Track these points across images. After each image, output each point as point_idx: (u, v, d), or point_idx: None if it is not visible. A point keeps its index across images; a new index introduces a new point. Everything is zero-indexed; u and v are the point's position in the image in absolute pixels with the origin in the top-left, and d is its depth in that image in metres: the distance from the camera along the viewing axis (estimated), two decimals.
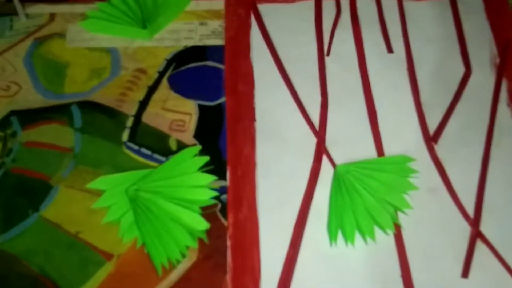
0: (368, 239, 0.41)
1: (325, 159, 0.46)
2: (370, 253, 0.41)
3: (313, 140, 0.47)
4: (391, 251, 0.41)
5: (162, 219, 0.42)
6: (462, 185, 0.44)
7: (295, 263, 0.41)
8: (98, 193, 0.44)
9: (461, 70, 0.49)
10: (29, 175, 0.45)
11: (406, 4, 0.53)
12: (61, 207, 0.44)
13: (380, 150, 0.46)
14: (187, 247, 0.42)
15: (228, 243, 0.42)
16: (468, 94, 0.48)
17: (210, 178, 0.44)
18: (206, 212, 0.43)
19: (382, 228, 0.42)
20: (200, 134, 0.47)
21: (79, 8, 0.54)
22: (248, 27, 0.53)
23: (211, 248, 0.42)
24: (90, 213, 0.43)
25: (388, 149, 0.46)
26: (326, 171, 0.45)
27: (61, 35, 0.52)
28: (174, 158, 0.45)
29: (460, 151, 0.45)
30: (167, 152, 0.46)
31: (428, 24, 0.52)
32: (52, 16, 0.53)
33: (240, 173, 0.45)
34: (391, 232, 0.42)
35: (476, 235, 0.42)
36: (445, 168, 0.45)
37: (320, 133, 0.47)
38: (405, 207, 0.43)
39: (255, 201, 0.44)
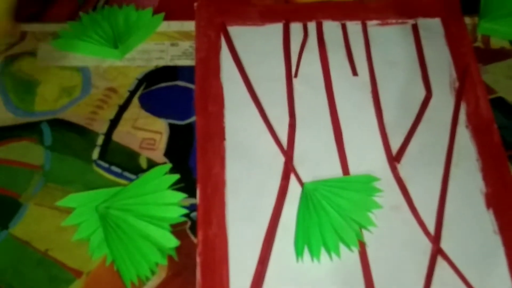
0: (334, 255, 0.43)
1: (292, 177, 0.47)
2: (336, 269, 0.43)
3: (282, 159, 0.48)
4: (355, 268, 0.43)
5: (132, 236, 0.42)
6: (423, 203, 0.46)
7: (264, 278, 0.42)
8: (68, 211, 0.44)
9: (422, 93, 0.51)
10: None
11: (370, 29, 0.55)
12: (30, 225, 0.44)
13: (345, 169, 0.47)
14: (157, 264, 0.42)
15: (198, 260, 0.43)
16: (429, 116, 0.50)
17: (180, 196, 0.45)
18: (176, 229, 0.44)
19: (347, 244, 0.43)
20: (171, 152, 0.48)
21: (50, 27, 0.54)
22: (218, 48, 0.54)
23: (181, 265, 0.43)
24: (60, 230, 0.44)
25: (353, 168, 0.47)
26: (294, 189, 0.46)
27: (32, 53, 0.53)
28: (144, 176, 0.46)
29: (421, 171, 0.47)
30: (138, 170, 0.47)
31: (392, 48, 0.54)
32: (23, 35, 0.54)
33: (209, 191, 0.46)
34: (355, 249, 0.43)
35: (437, 251, 0.44)
36: (407, 186, 0.46)
37: (288, 152, 0.48)
38: (369, 225, 0.44)
39: (225, 218, 0.45)
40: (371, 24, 0.56)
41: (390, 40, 0.55)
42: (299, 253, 0.43)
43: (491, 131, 0.49)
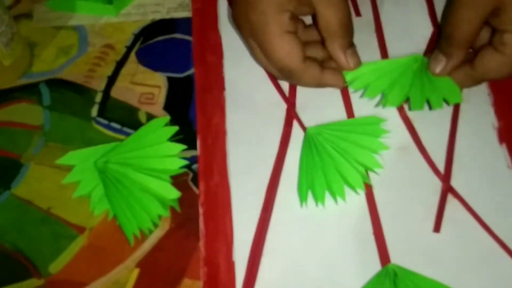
0: (339, 199, 0.41)
1: (295, 124, 0.45)
2: (341, 213, 0.41)
3: (283, 106, 0.46)
4: (362, 210, 0.41)
5: (132, 190, 0.41)
6: (432, 142, 0.44)
7: (268, 226, 0.41)
8: (69, 169, 0.44)
9: (429, 29, 0.49)
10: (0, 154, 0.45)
11: None
12: (32, 184, 0.44)
13: (350, 113, 0.46)
14: (159, 217, 0.42)
15: (200, 210, 0.42)
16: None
17: (179, 147, 0.44)
18: (177, 181, 0.43)
19: (352, 187, 0.42)
20: (170, 106, 0.47)
21: None
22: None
23: (183, 217, 0.42)
24: (61, 188, 0.43)
25: (358, 112, 0.46)
26: (297, 136, 0.45)
27: (28, 15, 0.52)
28: (142, 129, 0.45)
29: (430, 113, 0.45)
30: (137, 125, 0.46)
31: None
32: None
33: (210, 141, 0.45)
34: (361, 192, 0.42)
35: (447, 190, 0.42)
36: (414, 126, 0.45)
37: (290, 99, 0.47)
38: (375, 166, 0.42)
39: (226, 168, 0.44)
40: None
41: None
42: (303, 198, 0.41)
43: None
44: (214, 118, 0.46)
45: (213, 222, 0.41)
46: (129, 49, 0.50)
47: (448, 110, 0.45)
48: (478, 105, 0.45)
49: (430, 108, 0.44)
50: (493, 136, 0.44)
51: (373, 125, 0.44)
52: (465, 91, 0.46)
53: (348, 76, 0.44)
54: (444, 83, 0.43)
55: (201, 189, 0.43)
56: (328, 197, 0.42)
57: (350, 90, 0.46)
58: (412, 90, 0.44)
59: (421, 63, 0.44)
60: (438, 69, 0.43)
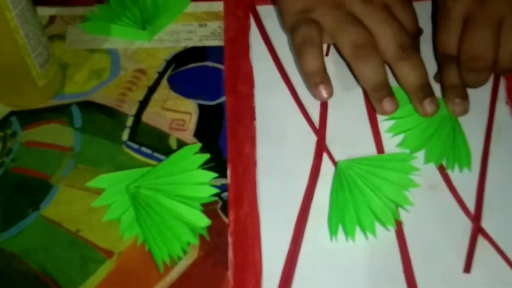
0: (369, 234, 0.41)
1: (325, 157, 0.46)
2: (372, 249, 0.41)
3: (314, 138, 0.47)
4: (392, 247, 0.41)
5: (163, 215, 0.42)
6: (462, 182, 0.44)
7: (297, 258, 0.41)
8: (98, 192, 0.44)
9: None
10: (29, 174, 0.45)
11: None
12: (61, 206, 0.44)
13: (380, 148, 0.46)
14: (188, 244, 0.42)
15: (229, 239, 0.42)
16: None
17: (210, 175, 0.44)
18: (207, 209, 0.43)
19: (383, 224, 0.42)
20: (200, 133, 0.47)
21: (78, 10, 0.54)
22: (247, 28, 0.53)
23: (212, 245, 0.42)
24: (90, 211, 0.43)
25: (388, 147, 0.46)
26: (327, 169, 0.45)
27: (61, 37, 0.53)
28: (174, 156, 0.45)
29: None
30: (168, 151, 0.46)
31: (423, 24, 0.52)
32: (52, 19, 0.54)
33: (240, 171, 0.45)
34: (392, 228, 0.42)
35: (477, 230, 0.42)
36: (444, 165, 0.45)
37: (320, 131, 0.47)
38: (406, 204, 0.43)
39: (256, 198, 0.44)
40: None
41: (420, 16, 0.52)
42: (333, 232, 0.41)
43: None
44: (245, 147, 0.46)
45: (242, 252, 0.41)
46: (161, 75, 0.51)
47: (477, 151, 0.45)
48: (508, 147, 0.46)
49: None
50: None
51: (403, 162, 0.44)
52: (495, 133, 0.46)
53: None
54: (461, 144, 0.45)
55: (231, 218, 0.43)
56: (358, 232, 0.42)
57: (381, 125, 0.47)
58: (431, 142, 0.45)
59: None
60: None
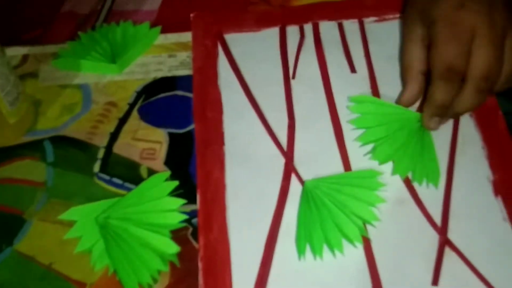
0: (337, 252, 0.42)
1: (294, 178, 0.46)
2: (340, 266, 0.42)
3: (282, 160, 0.47)
4: (361, 264, 0.42)
5: (132, 245, 0.42)
6: (428, 195, 0.44)
7: (266, 281, 0.41)
8: (71, 224, 0.44)
9: None
10: (3, 210, 0.46)
11: (367, 26, 0.55)
12: (34, 240, 0.44)
13: (347, 166, 0.47)
14: (159, 272, 0.42)
15: (200, 265, 0.42)
16: None
17: (179, 202, 0.45)
18: (178, 235, 0.44)
19: (350, 240, 0.42)
20: (171, 161, 0.48)
21: (50, 48, 0.55)
22: (215, 56, 0.54)
23: (183, 271, 0.42)
24: (63, 244, 0.44)
25: (355, 165, 0.47)
26: (295, 189, 0.46)
27: (34, 74, 0.54)
28: (143, 184, 0.45)
29: None
30: (139, 181, 0.47)
31: (390, 44, 0.53)
32: (25, 58, 0.55)
33: (209, 196, 0.45)
34: (359, 245, 0.42)
35: (444, 242, 0.42)
36: (411, 179, 0.45)
37: (288, 153, 0.47)
38: (373, 219, 0.43)
39: (226, 222, 0.44)
40: (368, 21, 0.55)
41: (388, 35, 0.54)
42: (301, 251, 0.42)
43: (496, 117, 0.48)
44: (214, 172, 0.47)
45: (212, 277, 0.42)
46: (132, 106, 0.52)
47: (443, 163, 0.46)
48: (472, 158, 0.46)
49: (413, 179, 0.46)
50: (488, 189, 0.44)
51: (370, 178, 0.45)
52: (460, 143, 0.47)
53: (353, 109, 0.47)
54: (430, 159, 0.45)
55: (201, 244, 0.43)
56: (326, 250, 0.42)
57: (348, 142, 0.47)
58: (399, 154, 0.45)
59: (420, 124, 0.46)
60: (400, 99, 0.48)
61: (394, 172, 0.45)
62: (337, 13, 0.56)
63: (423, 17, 0.47)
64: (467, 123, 0.48)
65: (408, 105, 0.48)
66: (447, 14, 0.45)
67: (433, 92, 0.45)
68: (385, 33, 0.54)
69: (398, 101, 0.48)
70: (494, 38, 0.44)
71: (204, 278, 0.42)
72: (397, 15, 0.55)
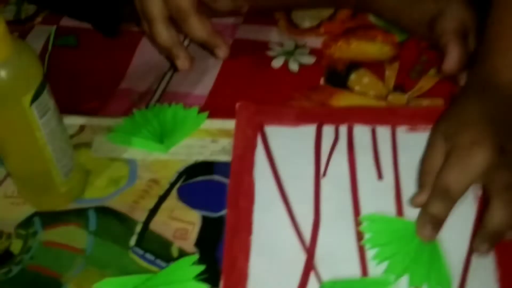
0: None
1: (312, 275, 0.49)
2: None
3: (303, 256, 0.50)
4: None
5: None
6: None
7: None
8: None
9: None
10: (43, 272, 0.50)
11: (399, 134, 0.58)
12: None
13: (364, 270, 0.49)
14: None
15: None
16: (450, 223, 0.51)
17: (203, 287, 0.48)
18: None
19: None
20: (201, 243, 0.52)
21: (106, 121, 0.61)
22: (254, 146, 0.58)
23: None
24: None
25: (372, 270, 0.49)
26: (313, 286, 0.48)
27: (88, 144, 0.59)
28: (173, 265, 0.49)
29: None
30: (169, 259, 0.51)
31: (418, 154, 0.56)
32: (82, 128, 0.60)
33: (232, 283, 0.49)
34: None
35: None
36: None
37: (310, 250, 0.51)
38: None
39: None
40: (400, 129, 0.58)
41: (418, 145, 0.56)
42: None
43: None
44: (239, 260, 0.50)
45: None
46: (172, 185, 0.56)
47: (456, 276, 0.48)
48: (484, 278, 0.48)
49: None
50: None
51: (383, 286, 0.47)
52: (474, 263, 0.49)
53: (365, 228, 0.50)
54: (441, 266, 0.48)
55: None
56: None
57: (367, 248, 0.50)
58: (413, 266, 0.48)
59: None
60: (414, 200, 0.51)
61: (410, 284, 0.48)
62: (372, 118, 0.59)
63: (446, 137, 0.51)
64: None
65: (420, 206, 0.51)
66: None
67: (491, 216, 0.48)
68: (415, 143, 0.57)
69: (412, 202, 0.52)
70: None
71: None
72: (428, 127, 0.58)
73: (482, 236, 0.48)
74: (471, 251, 0.50)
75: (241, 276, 0.49)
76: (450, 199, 0.49)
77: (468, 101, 0.54)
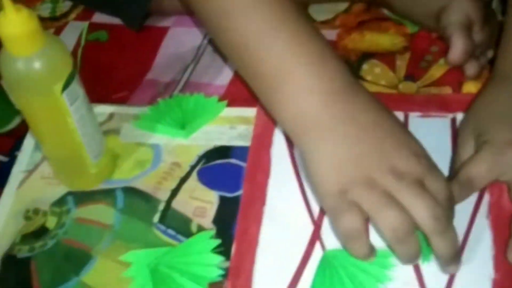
0: None
1: (318, 245, 0.53)
2: None
3: (311, 228, 0.54)
4: None
5: None
6: (433, 282, 0.50)
7: None
8: (129, 265, 0.53)
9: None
10: (75, 245, 0.55)
11: (411, 120, 0.61)
12: (97, 274, 0.53)
13: None
14: None
15: None
16: None
17: (218, 258, 0.53)
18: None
19: None
20: (218, 220, 0.56)
21: (133, 110, 0.65)
22: (272, 126, 0.62)
23: None
24: (120, 281, 0.52)
25: (375, 243, 0.53)
26: (318, 256, 0.52)
27: (116, 131, 0.64)
28: (192, 239, 0.54)
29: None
30: (189, 234, 0.55)
31: (430, 139, 0.55)
32: (111, 116, 0.65)
33: (243, 248, 0.53)
34: None
35: None
36: (419, 264, 0.51)
37: (317, 222, 0.54)
38: None
39: (252, 273, 0.51)
40: (413, 115, 0.61)
41: (430, 130, 0.59)
42: None
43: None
44: (251, 228, 0.54)
45: None
46: (192, 168, 0.60)
47: None
48: (480, 256, 0.51)
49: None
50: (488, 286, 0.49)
51: (383, 258, 0.51)
52: (471, 241, 0.52)
53: None
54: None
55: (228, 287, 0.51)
56: None
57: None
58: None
59: None
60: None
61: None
62: (386, 104, 0.62)
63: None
64: (482, 225, 0.53)
65: None
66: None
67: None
68: (427, 128, 0.59)
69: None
70: None
71: None
72: (440, 114, 0.61)
73: None
74: (468, 231, 0.53)
75: (251, 242, 0.53)
76: (469, 190, 0.51)
77: (499, 91, 0.55)
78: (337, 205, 0.48)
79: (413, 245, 0.48)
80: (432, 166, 0.50)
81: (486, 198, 0.55)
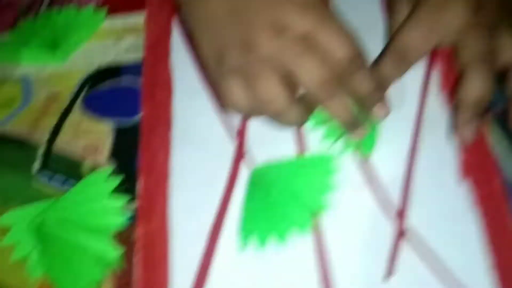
0: (284, 243, 0.39)
1: (244, 164, 0.43)
2: (287, 257, 0.39)
3: (233, 144, 0.44)
4: (309, 255, 0.39)
5: (69, 252, 0.39)
6: (387, 180, 0.41)
7: (207, 273, 0.38)
8: (7, 230, 0.41)
9: None
10: None
11: None
12: None
13: (302, 148, 0.43)
14: (100, 279, 0.39)
15: (136, 257, 0.39)
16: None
17: (122, 199, 0.41)
18: (123, 236, 0.41)
19: (299, 231, 0.39)
20: (116, 155, 0.45)
21: None
22: (169, 32, 0.50)
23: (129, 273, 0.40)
24: (1, 252, 0.41)
25: (311, 148, 0.43)
26: (245, 176, 0.42)
27: None
28: (82, 183, 0.42)
29: (386, 143, 0.42)
30: (81, 177, 0.44)
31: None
32: None
33: (152, 182, 0.42)
34: (308, 235, 0.39)
35: (402, 231, 0.39)
36: (369, 163, 0.42)
37: (239, 137, 0.44)
38: (323, 208, 0.40)
39: (167, 211, 0.41)
40: None
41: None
42: (243, 243, 0.39)
43: None
44: (158, 157, 0.43)
45: (149, 270, 0.39)
46: (75, 97, 0.48)
47: (405, 145, 0.42)
48: (439, 138, 0.42)
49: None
50: (454, 172, 0.41)
51: (324, 164, 0.41)
52: (426, 124, 0.43)
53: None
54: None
55: (139, 235, 0.40)
56: (272, 241, 0.39)
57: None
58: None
59: None
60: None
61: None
62: None
63: None
64: (435, 102, 0.44)
65: None
66: None
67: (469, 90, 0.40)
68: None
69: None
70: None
71: (140, 270, 0.39)
72: None
73: (463, 115, 0.40)
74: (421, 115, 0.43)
75: (162, 173, 0.43)
76: (405, 64, 0.42)
77: None
78: (216, 75, 0.40)
79: (293, 115, 0.39)
80: (325, 18, 0.38)
81: (436, 72, 0.45)
